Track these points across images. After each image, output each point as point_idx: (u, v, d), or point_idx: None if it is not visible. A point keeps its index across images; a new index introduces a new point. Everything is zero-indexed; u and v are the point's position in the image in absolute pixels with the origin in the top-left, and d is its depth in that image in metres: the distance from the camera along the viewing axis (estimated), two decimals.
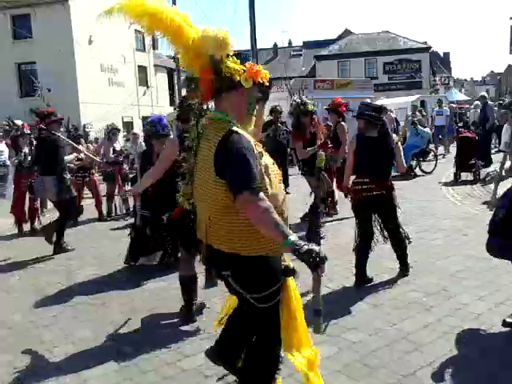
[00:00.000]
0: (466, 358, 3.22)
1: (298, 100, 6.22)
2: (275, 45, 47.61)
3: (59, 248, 6.81)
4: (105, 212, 9.29)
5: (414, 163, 12.21)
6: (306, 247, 2.00)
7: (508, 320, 3.59)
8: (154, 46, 33.87)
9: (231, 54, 2.36)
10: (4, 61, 24.38)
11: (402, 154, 4.89)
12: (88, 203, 9.60)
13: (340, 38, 43.63)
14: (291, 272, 2.45)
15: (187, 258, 4.14)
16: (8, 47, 24.74)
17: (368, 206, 4.70)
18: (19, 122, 8.45)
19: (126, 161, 9.65)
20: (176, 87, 25.71)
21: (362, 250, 4.73)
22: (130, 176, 10.12)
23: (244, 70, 2.36)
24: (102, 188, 9.62)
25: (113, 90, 27.20)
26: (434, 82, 40.71)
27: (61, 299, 4.95)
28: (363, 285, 4.66)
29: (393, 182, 4.79)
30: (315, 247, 2.01)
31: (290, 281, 2.48)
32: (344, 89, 18.90)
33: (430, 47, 39.62)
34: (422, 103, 21.53)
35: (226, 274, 2.39)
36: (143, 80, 30.99)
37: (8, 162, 9.43)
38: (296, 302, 2.47)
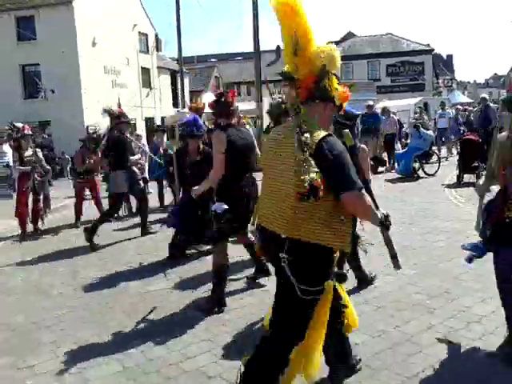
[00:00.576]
0: (469, 360, 3.22)
1: (279, 99, 6.07)
2: (278, 47, 47.65)
3: (144, 230, 7.65)
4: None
5: (416, 165, 12.21)
6: (387, 218, 2.65)
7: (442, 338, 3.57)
8: (158, 48, 33.97)
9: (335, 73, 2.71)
10: (8, 62, 24.44)
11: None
12: (89, 205, 9.59)
13: (343, 40, 43.65)
14: (343, 278, 2.90)
15: (224, 247, 4.40)
16: (12, 49, 24.80)
17: None
18: (19, 125, 8.51)
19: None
20: (179, 89, 25.69)
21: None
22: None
23: (337, 89, 2.70)
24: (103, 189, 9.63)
25: (116, 91, 27.26)
26: (436, 85, 40.70)
27: (64, 300, 4.96)
28: (365, 286, 4.65)
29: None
30: (385, 212, 2.64)
31: (333, 288, 2.65)
32: None
33: (433, 49, 39.62)
34: (425, 105, 21.52)
35: (283, 258, 2.52)
36: (146, 82, 31.04)
37: (11, 163, 9.48)
38: (327, 310, 2.61)
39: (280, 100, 5.63)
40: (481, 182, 3.52)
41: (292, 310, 2.60)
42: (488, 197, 3.44)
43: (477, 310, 3.97)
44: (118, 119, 7.67)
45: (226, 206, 4.20)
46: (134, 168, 7.77)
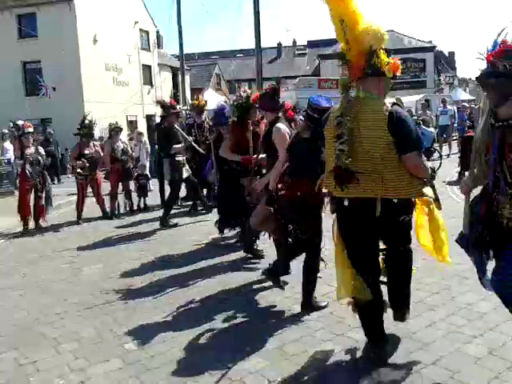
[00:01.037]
0: (471, 356, 3.22)
1: (244, 93, 5.97)
2: (279, 44, 47.57)
3: (164, 221, 7.98)
4: (108, 211, 9.32)
5: None
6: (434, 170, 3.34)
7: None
8: (159, 45, 33.93)
9: (384, 47, 3.00)
10: (10, 59, 24.45)
11: None
12: (90, 202, 9.61)
13: None
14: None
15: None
16: (13, 46, 24.82)
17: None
18: (20, 122, 8.54)
19: (129, 159, 9.69)
20: (180, 86, 25.66)
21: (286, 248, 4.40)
22: (135, 174, 10.19)
23: (388, 63, 3.01)
24: (105, 186, 9.65)
25: (117, 88, 27.26)
26: (438, 82, 40.55)
27: (65, 297, 4.97)
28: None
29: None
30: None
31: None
32: None
33: (435, 46, 39.44)
34: (427, 102, 21.45)
35: (403, 218, 3.15)
36: (147, 79, 31.04)
37: (13, 160, 9.51)
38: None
39: (241, 101, 5.73)
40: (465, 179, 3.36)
41: (403, 231, 3.25)
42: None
43: (478, 306, 3.97)
44: (170, 110, 8.15)
45: None
46: (179, 157, 8.05)
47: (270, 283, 4.75)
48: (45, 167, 8.61)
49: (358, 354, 3.39)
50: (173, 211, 8.48)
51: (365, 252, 3.21)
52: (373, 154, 2.96)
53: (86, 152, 8.97)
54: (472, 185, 2.99)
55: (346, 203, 3.12)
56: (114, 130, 9.53)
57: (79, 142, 9.11)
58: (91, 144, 9.16)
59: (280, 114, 4.80)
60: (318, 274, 4.21)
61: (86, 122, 9.12)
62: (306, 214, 4.09)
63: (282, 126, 4.60)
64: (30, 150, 8.29)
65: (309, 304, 4.12)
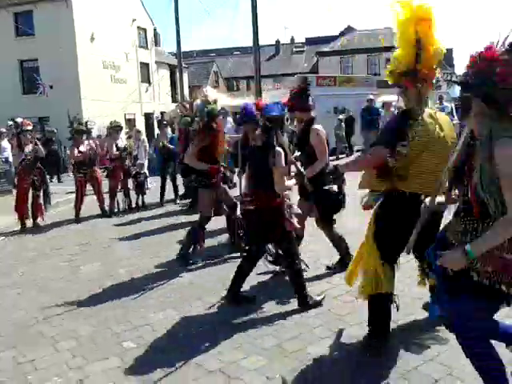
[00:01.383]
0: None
1: (207, 93, 5.92)
2: (277, 41, 47.51)
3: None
4: (107, 208, 9.31)
5: None
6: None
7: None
8: (156, 43, 33.85)
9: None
10: (6, 58, 24.38)
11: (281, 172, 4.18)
12: (89, 200, 9.60)
13: (342, 34, 43.50)
14: None
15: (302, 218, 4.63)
16: (10, 44, 24.73)
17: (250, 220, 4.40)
18: (19, 120, 8.51)
19: (129, 157, 9.69)
20: (178, 84, 25.61)
21: (243, 266, 4.32)
22: (133, 172, 10.17)
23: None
24: (104, 185, 9.63)
25: (115, 86, 27.21)
26: (436, 78, 40.50)
27: (64, 295, 4.96)
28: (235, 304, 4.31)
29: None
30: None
31: None
32: (346, 85, 18.85)
33: None
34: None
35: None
36: (145, 77, 30.98)
37: (11, 159, 9.47)
38: None
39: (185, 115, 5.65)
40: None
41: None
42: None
43: None
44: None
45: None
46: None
47: (268, 280, 4.75)
48: (42, 160, 8.55)
49: (357, 350, 3.40)
50: (171, 208, 8.46)
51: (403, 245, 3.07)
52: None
53: (82, 149, 8.94)
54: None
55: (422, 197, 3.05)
56: (114, 129, 9.53)
57: (73, 143, 9.10)
58: (85, 142, 9.10)
59: (313, 114, 4.84)
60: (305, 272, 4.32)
61: (75, 124, 9.04)
62: (267, 224, 4.13)
63: (318, 126, 4.73)
64: (29, 148, 8.27)
65: (304, 301, 4.13)
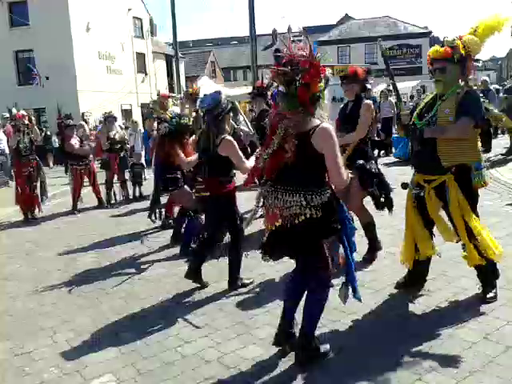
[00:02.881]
0: (467, 341, 3.22)
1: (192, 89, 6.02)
2: (274, 30, 47.23)
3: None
4: (104, 199, 9.30)
5: None
6: None
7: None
8: (152, 33, 33.59)
9: None
10: (2, 49, 24.16)
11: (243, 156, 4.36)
12: (85, 192, 9.57)
13: (340, 23, 43.27)
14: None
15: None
16: (5, 35, 24.48)
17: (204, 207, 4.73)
18: (14, 111, 8.47)
19: (123, 148, 9.66)
20: (175, 74, 25.45)
21: (199, 252, 4.65)
22: (130, 163, 10.14)
23: None
24: (101, 176, 9.61)
25: (111, 77, 27.04)
26: None
27: (61, 286, 4.96)
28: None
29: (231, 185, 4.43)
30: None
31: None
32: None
33: (431, 32, 39.22)
34: (423, 89, 21.39)
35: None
36: (141, 67, 30.78)
37: (7, 151, 9.43)
38: None
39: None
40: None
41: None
42: None
43: (473, 291, 3.97)
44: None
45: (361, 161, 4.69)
46: None
47: (265, 272, 4.75)
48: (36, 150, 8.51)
49: (353, 339, 3.40)
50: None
51: None
52: None
53: (72, 142, 8.89)
54: None
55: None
56: (108, 120, 9.48)
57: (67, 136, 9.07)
58: (75, 135, 9.06)
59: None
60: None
61: (64, 119, 9.08)
62: (219, 210, 4.43)
63: (370, 102, 4.88)
64: (26, 139, 8.22)
65: (234, 281, 4.45)
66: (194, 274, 4.57)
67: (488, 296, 3.78)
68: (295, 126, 2.84)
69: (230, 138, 4.28)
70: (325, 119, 2.91)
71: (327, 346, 3.19)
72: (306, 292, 3.13)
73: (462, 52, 3.60)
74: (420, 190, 3.86)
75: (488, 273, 3.80)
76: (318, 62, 2.83)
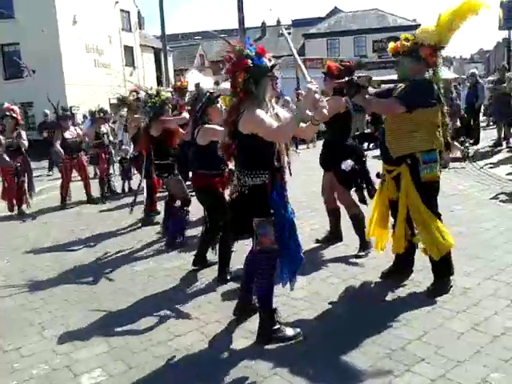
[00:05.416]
0: (455, 331, 3.26)
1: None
2: (263, 23, 47.01)
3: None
4: (98, 195, 9.25)
5: None
6: None
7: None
8: (140, 26, 33.28)
9: None
10: None
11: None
12: (73, 186, 9.49)
13: (329, 16, 43.15)
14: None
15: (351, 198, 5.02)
16: None
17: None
18: (5, 105, 8.37)
19: (110, 142, 9.64)
20: (163, 67, 25.25)
21: (205, 237, 4.82)
22: (118, 158, 10.09)
23: None
24: (90, 170, 9.55)
25: (99, 71, 26.76)
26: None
27: (50, 282, 4.92)
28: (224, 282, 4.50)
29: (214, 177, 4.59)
30: None
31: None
32: None
33: (420, 25, 38.99)
34: None
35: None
36: (130, 60, 30.50)
37: None
38: None
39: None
40: None
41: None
42: None
43: (461, 282, 4.01)
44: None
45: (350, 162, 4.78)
46: None
47: None
48: (25, 151, 8.43)
49: (343, 330, 3.42)
50: (158, 194, 8.38)
51: None
52: None
53: (68, 136, 8.83)
54: None
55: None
56: (100, 118, 9.51)
57: (59, 130, 8.98)
58: (71, 128, 9.02)
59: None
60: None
61: (59, 110, 9.04)
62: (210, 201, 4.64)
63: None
64: (12, 135, 8.13)
65: (224, 274, 4.51)
66: (203, 260, 4.83)
67: (432, 288, 3.86)
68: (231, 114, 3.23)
69: (206, 125, 4.48)
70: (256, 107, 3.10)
71: (298, 330, 3.36)
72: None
73: (409, 44, 3.69)
74: (384, 179, 4.06)
75: (438, 265, 3.86)
76: (238, 57, 3.15)
